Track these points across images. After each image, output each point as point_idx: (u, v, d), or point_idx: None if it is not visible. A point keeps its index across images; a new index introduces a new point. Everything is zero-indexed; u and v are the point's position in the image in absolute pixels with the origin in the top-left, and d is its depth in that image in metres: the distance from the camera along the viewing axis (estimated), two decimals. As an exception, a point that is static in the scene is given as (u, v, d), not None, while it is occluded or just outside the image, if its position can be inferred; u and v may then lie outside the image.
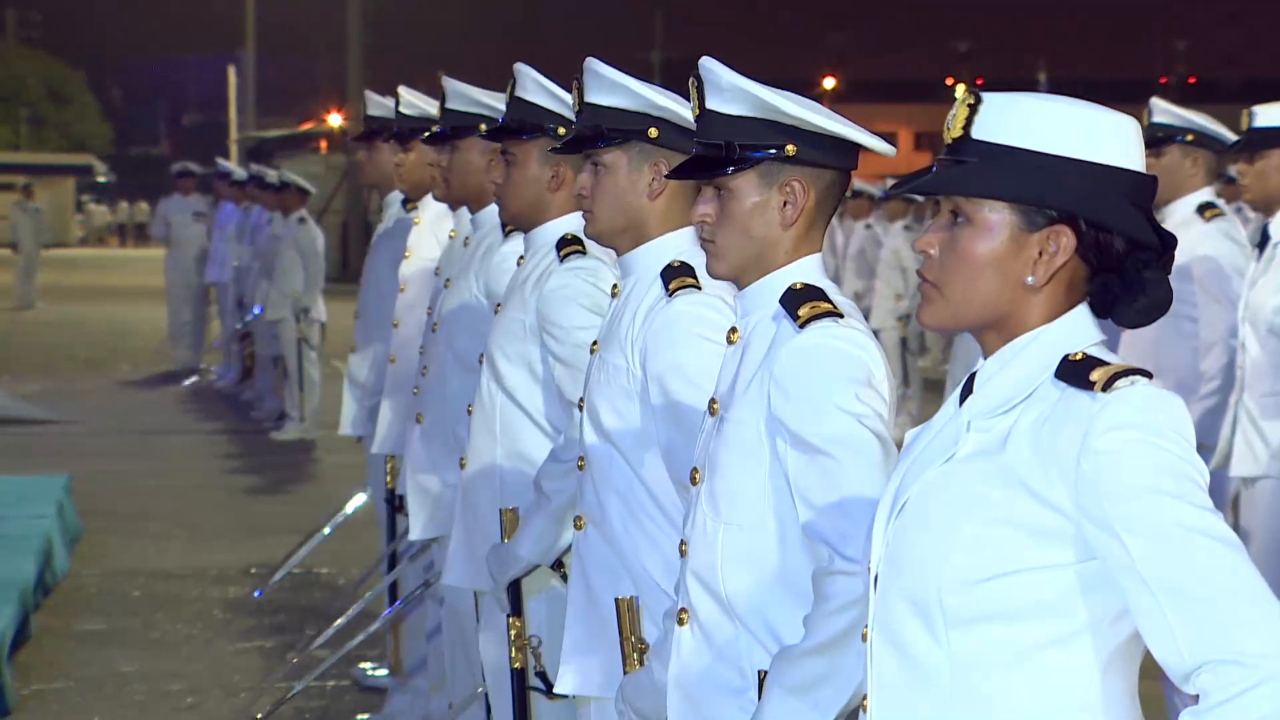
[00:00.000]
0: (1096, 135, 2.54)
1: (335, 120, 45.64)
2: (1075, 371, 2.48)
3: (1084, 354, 2.50)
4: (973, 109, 2.56)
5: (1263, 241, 6.39)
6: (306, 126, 51.19)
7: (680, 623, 3.39)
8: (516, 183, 4.79)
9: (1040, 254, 2.55)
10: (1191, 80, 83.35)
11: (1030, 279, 2.55)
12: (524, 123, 4.75)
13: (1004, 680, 2.51)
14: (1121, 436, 2.42)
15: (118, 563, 10.13)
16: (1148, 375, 2.46)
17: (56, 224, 49.50)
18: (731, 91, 3.33)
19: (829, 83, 77.85)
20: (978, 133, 2.56)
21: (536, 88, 4.75)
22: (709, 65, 3.36)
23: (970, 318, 2.59)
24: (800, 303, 3.27)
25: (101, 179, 65.41)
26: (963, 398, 2.61)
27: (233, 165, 21.77)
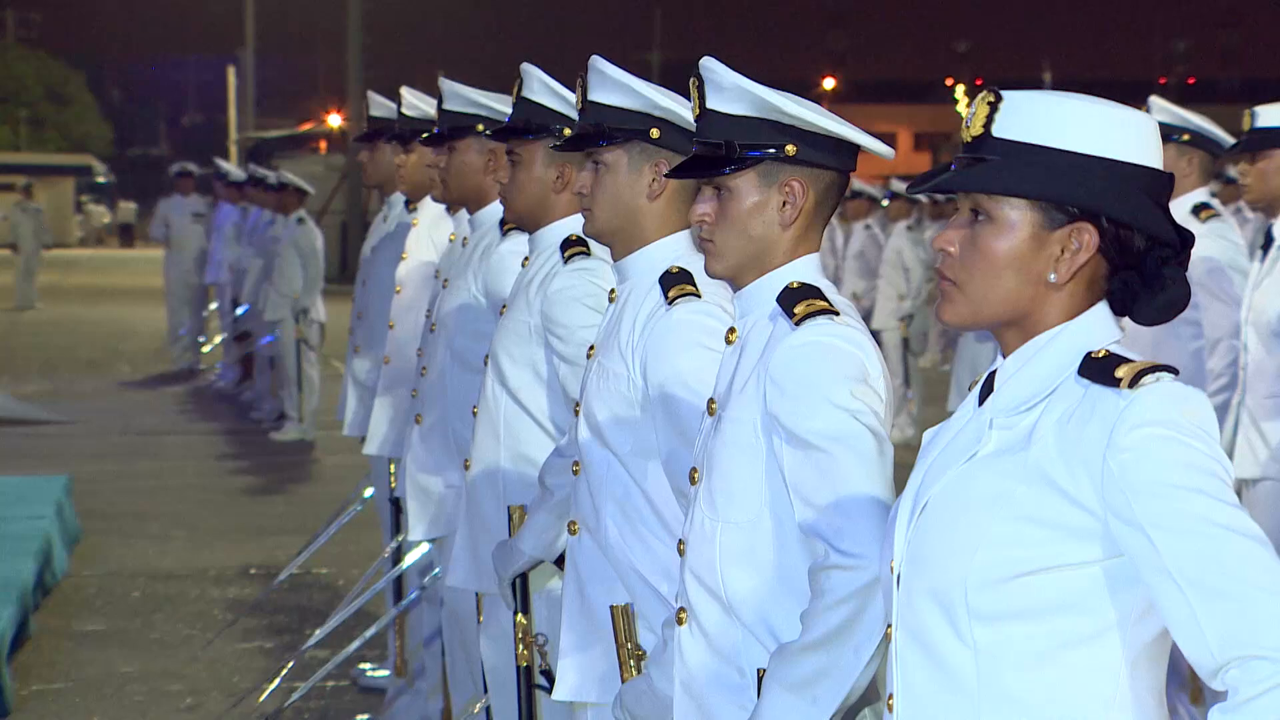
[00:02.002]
0: (1117, 132, 2.54)
1: (335, 120, 45.63)
2: (1100, 369, 2.49)
3: (1107, 351, 2.51)
4: (993, 107, 2.57)
5: (1267, 243, 6.39)
6: (306, 127, 51.22)
7: (680, 622, 3.39)
8: (521, 183, 4.79)
9: (1063, 251, 2.55)
10: (1191, 80, 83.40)
11: (1053, 276, 2.55)
12: (530, 123, 4.75)
13: (1031, 677, 2.52)
14: (1148, 433, 2.42)
15: (117, 563, 10.12)
16: (1173, 372, 2.46)
17: (56, 224, 49.46)
18: (732, 91, 3.33)
19: (828, 83, 77.85)
20: (999, 130, 2.56)
21: (543, 88, 4.75)
22: (710, 65, 3.36)
23: (990, 315, 2.59)
24: (796, 301, 3.28)
25: (101, 179, 65.36)
26: (982, 397, 2.61)
27: (231, 166, 21.76)
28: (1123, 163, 2.53)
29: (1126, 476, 2.42)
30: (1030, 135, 2.54)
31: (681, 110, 3.91)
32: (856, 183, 16.29)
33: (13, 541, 9.09)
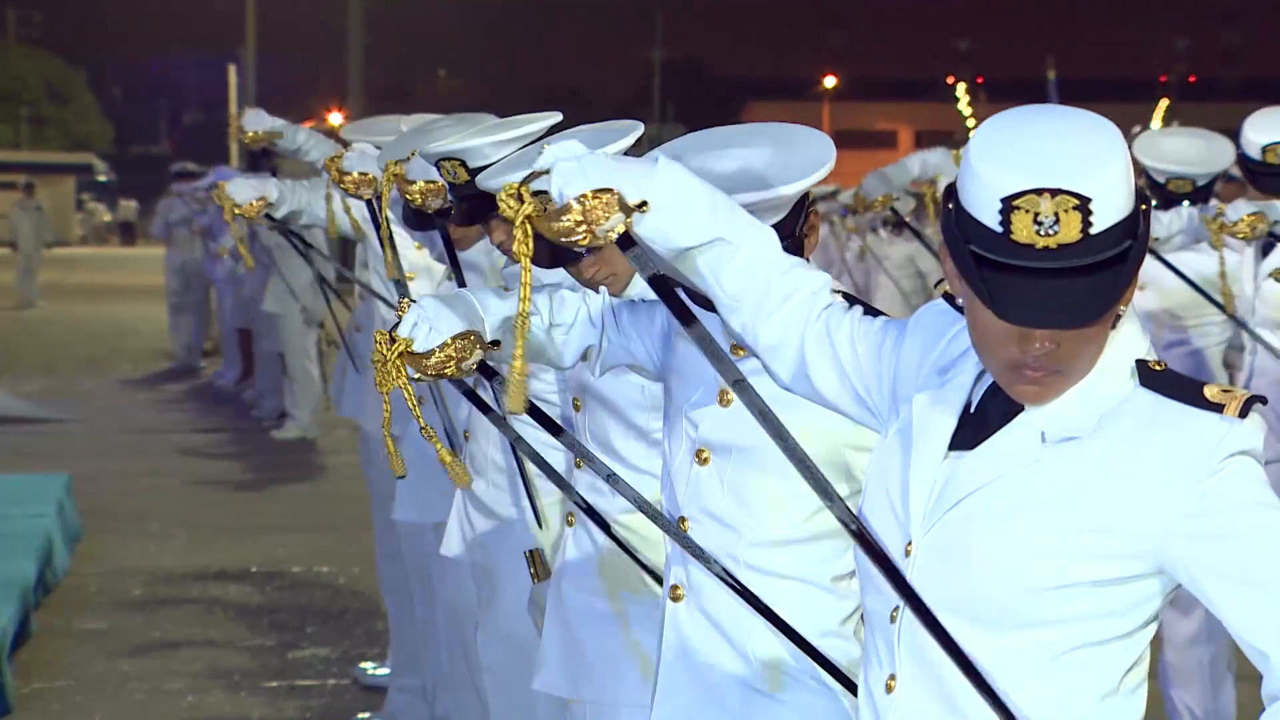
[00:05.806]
0: (1131, 169, 2.50)
1: (335, 119, 45.66)
2: (1174, 385, 2.52)
3: (1164, 365, 2.54)
4: (1082, 210, 2.40)
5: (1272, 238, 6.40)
6: (307, 126, 51.21)
7: (675, 598, 3.40)
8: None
9: (1128, 286, 2.52)
10: (1192, 79, 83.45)
11: (1123, 309, 2.54)
12: (482, 209, 4.44)
13: (1040, 675, 2.55)
14: (1244, 460, 2.48)
15: (118, 562, 10.13)
16: (1264, 401, 2.53)
17: (57, 223, 49.52)
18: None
19: (829, 81, 77.81)
20: (1097, 228, 2.41)
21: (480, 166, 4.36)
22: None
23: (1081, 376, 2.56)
24: None
25: (102, 178, 65.36)
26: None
27: (231, 167, 21.77)
28: (1138, 192, 2.50)
29: (1218, 496, 2.46)
30: (1111, 220, 2.42)
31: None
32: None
33: (14, 540, 9.10)
